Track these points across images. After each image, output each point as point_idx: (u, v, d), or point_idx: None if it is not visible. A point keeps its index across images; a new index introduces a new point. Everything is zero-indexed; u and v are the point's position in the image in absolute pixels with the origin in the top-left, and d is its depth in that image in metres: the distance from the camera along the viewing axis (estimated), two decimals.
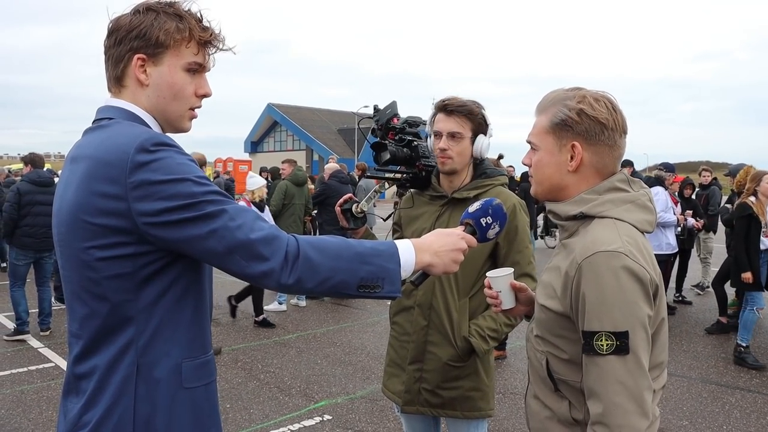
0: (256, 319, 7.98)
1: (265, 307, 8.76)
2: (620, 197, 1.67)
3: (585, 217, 1.67)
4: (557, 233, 1.86)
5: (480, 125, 2.52)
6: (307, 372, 6.09)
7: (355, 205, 2.60)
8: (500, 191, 2.56)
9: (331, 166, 9.49)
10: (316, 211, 9.73)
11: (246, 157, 50.19)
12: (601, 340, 1.50)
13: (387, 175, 2.70)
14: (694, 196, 9.71)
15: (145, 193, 1.37)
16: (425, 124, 2.68)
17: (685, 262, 9.31)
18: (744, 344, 6.44)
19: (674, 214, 8.10)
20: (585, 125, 1.65)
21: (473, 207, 1.77)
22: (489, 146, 2.56)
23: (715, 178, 10.55)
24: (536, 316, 1.76)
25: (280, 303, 8.79)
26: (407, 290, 2.54)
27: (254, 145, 62.17)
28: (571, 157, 1.68)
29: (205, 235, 1.38)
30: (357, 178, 12.17)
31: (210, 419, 1.59)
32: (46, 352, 6.67)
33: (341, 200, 2.61)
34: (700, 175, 10.55)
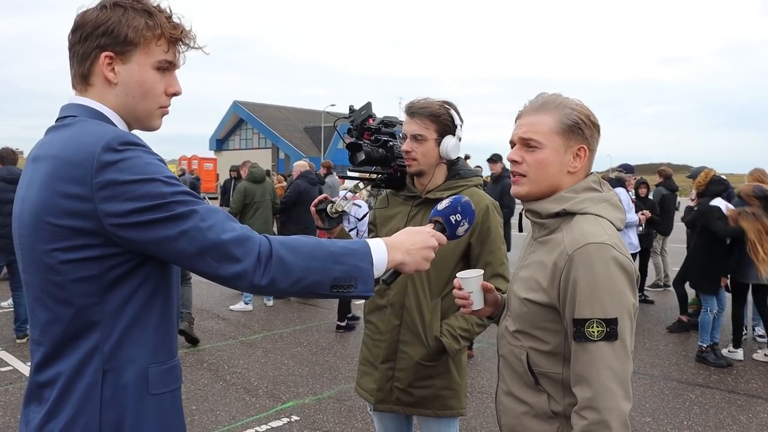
0: (340, 324, 7.76)
1: (230, 307, 8.71)
2: (596, 196, 1.75)
3: (566, 214, 1.72)
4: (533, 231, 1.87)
5: (446, 126, 2.51)
6: (273, 372, 6.05)
7: (330, 205, 2.58)
8: (474, 192, 2.57)
9: (301, 164, 9.41)
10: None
11: (211, 155, 49.70)
12: (592, 327, 1.56)
13: (362, 175, 2.69)
14: (651, 196, 9.93)
15: (113, 193, 1.33)
16: (401, 125, 2.68)
17: (645, 262, 9.52)
18: (704, 345, 6.59)
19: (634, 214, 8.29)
20: (591, 131, 1.75)
21: (442, 205, 1.77)
22: (456, 147, 2.56)
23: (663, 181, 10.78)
24: (516, 312, 1.79)
25: (247, 303, 8.71)
26: (381, 290, 2.54)
27: (220, 143, 61.62)
28: (573, 159, 1.74)
29: (175, 237, 1.35)
30: (323, 176, 12.16)
31: (177, 425, 1.56)
32: (3, 355, 6.48)
33: (316, 200, 2.59)
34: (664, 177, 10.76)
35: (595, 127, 1.76)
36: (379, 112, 2.72)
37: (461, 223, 1.75)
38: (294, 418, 4.93)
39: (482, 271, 1.95)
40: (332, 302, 9.10)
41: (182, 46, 1.56)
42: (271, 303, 9.12)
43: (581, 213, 1.70)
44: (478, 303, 1.93)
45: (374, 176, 2.68)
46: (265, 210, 8.77)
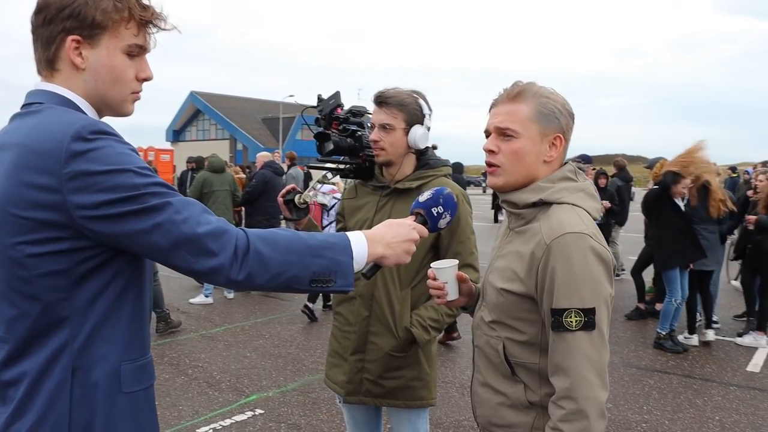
0: (308, 304, 7.71)
1: (190, 300, 8.58)
2: (573, 186, 1.75)
3: (543, 204, 1.72)
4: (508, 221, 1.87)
5: (414, 115, 2.50)
6: (236, 366, 5.98)
7: (297, 196, 2.55)
8: (443, 182, 2.56)
9: (265, 154, 9.30)
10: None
11: (168, 146, 48.82)
12: (571, 317, 1.57)
13: (330, 165, 2.66)
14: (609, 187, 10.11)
15: (83, 184, 1.27)
16: (370, 114, 2.66)
17: None
18: (663, 332, 6.74)
19: None
20: (566, 120, 1.74)
21: (424, 196, 1.75)
22: (425, 136, 2.55)
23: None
24: (492, 302, 1.78)
25: (207, 296, 8.59)
26: None
27: (176, 134, 60.60)
28: (549, 148, 1.74)
29: (149, 230, 1.30)
30: (286, 167, 12.05)
31: (150, 424, 1.51)
32: None
33: (284, 191, 2.55)
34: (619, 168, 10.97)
35: (570, 115, 1.76)
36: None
37: (443, 216, 1.74)
38: (258, 411, 4.88)
39: (457, 261, 1.94)
40: (294, 294, 9.04)
41: (152, 29, 1.49)
42: (231, 296, 9.00)
43: (558, 202, 1.70)
44: (452, 293, 1.92)
45: (343, 166, 2.65)
46: (223, 200, 8.64)
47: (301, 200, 2.53)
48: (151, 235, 1.31)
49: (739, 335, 7.18)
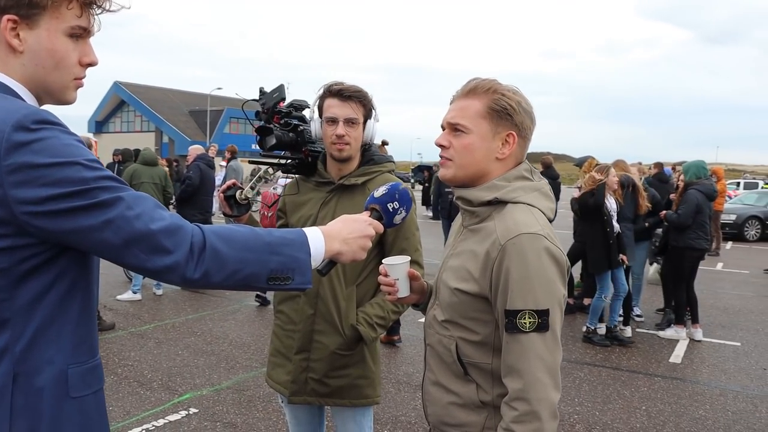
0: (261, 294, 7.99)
1: (117, 297, 8.31)
2: (528, 185, 1.75)
3: (498, 203, 1.71)
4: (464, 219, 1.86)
5: (370, 110, 2.51)
6: (168, 364, 5.82)
7: (238, 192, 2.49)
8: (389, 178, 2.55)
9: (197, 147, 9.07)
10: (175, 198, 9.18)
11: (90, 137, 47.06)
12: (524, 318, 1.56)
13: (272, 160, 2.61)
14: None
15: (26, 178, 1.19)
16: (308, 107, 2.62)
17: None
18: (592, 327, 6.95)
19: None
20: (521, 117, 1.73)
21: (379, 192, 1.74)
22: (376, 131, 2.56)
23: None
24: (445, 301, 1.77)
25: (135, 292, 8.33)
26: None
27: (99, 125, 58.49)
28: (502, 145, 1.73)
29: (99, 226, 1.23)
30: (227, 160, 11.81)
31: (100, 430, 1.44)
32: None
33: (224, 186, 2.49)
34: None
35: (527, 114, 1.74)
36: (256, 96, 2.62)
37: (398, 211, 1.73)
38: (192, 410, 4.76)
39: (409, 258, 1.93)
40: (224, 290, 8.86)
41: (97, 9, 1.40)
42: (160, 292, 8.76)
43: (513, 202, 1.70)
44: (404, 290, 1.91)
45: (285, 161, 2.60)
46: (152, 193, 8.36)
47: (243, 196, 2.47)
48: (101, 232, 1.24)
49: (660, 328, 7.49)
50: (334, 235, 1.52)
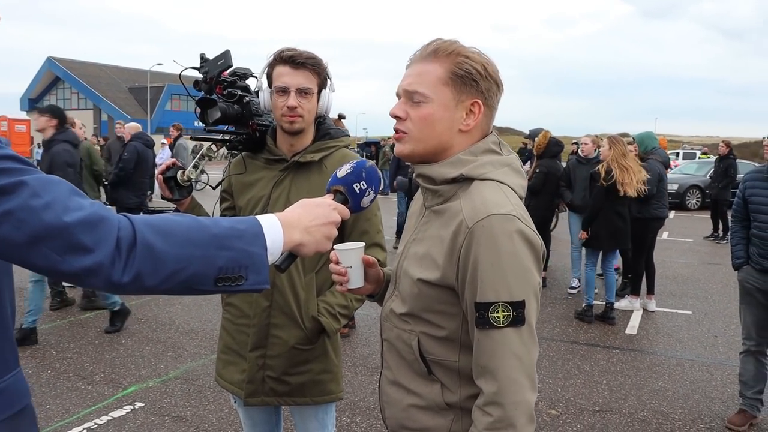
0: None
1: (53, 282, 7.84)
2: (497, 160, 1.53)
3: (464, 180, 1.49)
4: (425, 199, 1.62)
5: (325, 80, 2.27)
6: (110, 355, 5.49)
7: (180, 172, 2.22)
8: (346, 153, 2.33)
9: (134, 125, 8.57)
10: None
11: (23, 115, 45.07)
12: (498, 312, 1.36)
13: (216, 136, 2.34)
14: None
15: None
16: (255, 77, 2.35)
17: None
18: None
19: None
20: (488, 83, 1.50)
21: (343, 171, 1.50)
22: (332, 102, 2.32)
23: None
24: (406, 292, 1.56)
25: None
26: None
27: (33, 103, 56.07)
28: (466, 115, 1.50)
29: None
30: (174, 138, 11.30)
31: None
32: None
33: (163, 166, 2.22)
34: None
35: (493, 80, 1.51)
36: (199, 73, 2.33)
37: (366, 192, 1.49)
38: (138, 404, 4.47)
39: (363, 244, 1.67)
40: None
41: None
42: None
43: (481, 179, 1.48)
44: (357, 280, 1.66)
45: (231, 137, 2.34)
46: (74, 178, 7.76)
47: (186, 177, 2.21)
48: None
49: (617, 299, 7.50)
50: (294, 224, 1.29)
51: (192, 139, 2.33)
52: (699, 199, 18.81)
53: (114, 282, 1.04)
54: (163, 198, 2.28)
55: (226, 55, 2.21)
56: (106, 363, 5.28)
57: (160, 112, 48.24)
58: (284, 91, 2.18)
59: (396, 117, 1.53)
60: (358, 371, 5.21)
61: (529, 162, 11.72)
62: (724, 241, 12.43)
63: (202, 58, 2.27)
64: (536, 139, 7.93)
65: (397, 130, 1.54)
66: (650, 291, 7.28)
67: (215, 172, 8.03)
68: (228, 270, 1.14)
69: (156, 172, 2.24)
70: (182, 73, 2.29)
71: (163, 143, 14.45)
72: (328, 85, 2.29)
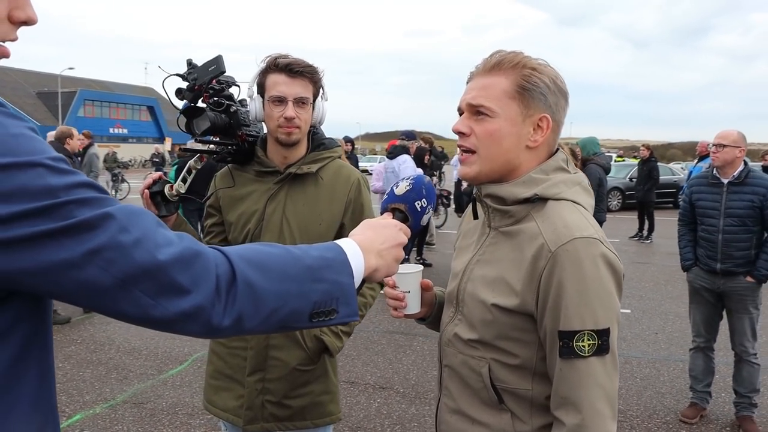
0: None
1: None
2: (569, 178, 1.47)
3: (537, 200, 1.42)
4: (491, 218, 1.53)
5: (319, 89, 2.17)
6: None
7: (167, 186, 2.06)
8: (341, 165, 2.24)
9: (65, 129, 7.99)
10: None
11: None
12: (583, 341, 1.31)
13: (204, 147, 2.19)
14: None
15: None
16: (238, 85, 2.22)
17: (426, 227, 9.86)
18: None
19: None
20: (555, 97, 1.43)
21: (401, 188, 1.40)
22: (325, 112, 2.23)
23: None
24: (477, 318, 1.47)
25: None
26: None
27: None
28: (534, 131, 1.43)
29: (77, 261, 0.83)
30: (85, 146, 10.70)
31: None
32: None
33: (148, 181, 2.06)
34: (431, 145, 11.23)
35: (561, 93, 1.45)
36: (122, 76, 2.17)
37: (426, 210, 1.40)
38: None
39: (422, 267, 1.59)
40: None
41: None
42: None
43: (555, 198, 1.42)
44: (414, 305, 1.58)
45: (218, 148, 2.20)
46: None
47: (175, 191, 2.06)
48: (81, 270, 0.83)
49: None
50: (369, 248, 1.18)
51: (181, 150, 2.18)
52: (620, 200, 19.53)
53: (214, 326, 0.92)
54: None
55: (218, 61, 2.06)
56: None
57: (73, 119, 46.23)
58: (281, 101, 2.08)
59: (459, 133, 1.46)
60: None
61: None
62: (649, 241, 12.96)
63: (190, 63, 2.12)
64: None
65: (462, 148, 1.47)
66: None
67: (135, 181, 7.70)
68: (322, 304, 1.04)
69: (141, 186, 2.07)
70: (98, 82, 2.14)
71: None
72: (321, 93, 2.19)
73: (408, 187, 1.40)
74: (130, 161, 45.57)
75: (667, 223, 16.16)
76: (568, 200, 1.42)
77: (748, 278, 4.21)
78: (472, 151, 1.45)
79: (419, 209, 1.39)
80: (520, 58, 1.43)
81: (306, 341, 2.12)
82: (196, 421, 4.36)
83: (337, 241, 1.15)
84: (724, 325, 4.53)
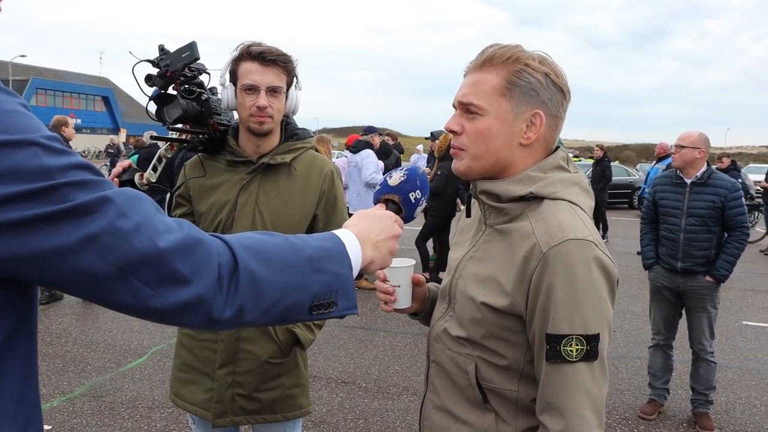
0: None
1: None
2: (568, 178, 1.43)
3: (533, 198, 1.39)
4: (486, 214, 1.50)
5: (293, 78, 2.14)
6: None
7: (138, 175, 2.01)
8: (315, 156, 2.21)
9: (61, 118, 7.75)
10: None
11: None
12: (571, 345, 1.27)
13: (175, 135, 2.14)
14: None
15: None
16: (208, 73, 2.18)
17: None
18: None
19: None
20: (549, 92, 1.39)
21: (395, 178, 1.37)
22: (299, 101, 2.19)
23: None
24: (467, 316, 1.45)
25: None
26: None
27: None
28: (527, 128, 1.39)
29: (74, 247, 0.78)
30: None
31: None
32: None
33: (118, 169, 2.01)
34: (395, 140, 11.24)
35: (557, 87, 1.40)
36: (76, 65, 2.11)
37: (420, 202, 1.37)
38: (45, 427, 4.09)
39: (413, 261, 1.56)
40: None
41: None
42: None
43: (551, 198, 1.39)
44: (405, 300, 1.55)
45: (188, 136, 2.15)
46: None
47: (146, 181, 2.01)
48: (78, 256, 0.79)
49: None
50: (365, 239, 1.15)
51: (152, 138, 2.13)
52: None
53: (215, 318, 0.89)
54: None
55: (192, 47, 2.01)
56: None
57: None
58: (253, 89, 2.04)
59: (451, 131, 1.43)
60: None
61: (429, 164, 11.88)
62: (605, 240, 13.17)
63: (162, 49, 2.07)
64: (437, 140, 8.01)
65: (453, 146, 1.45)
66: None
67: None
68: (322, 296, 1.01)
69: (110, 176, 2.02)
70: (52, 70, 2.08)
71: None
72: (295, 83, 2.16)
73: (402, 178, 1.37)
74: (83, 152, 44.72)
75: (623, 223, 16.52)
76: (565, 200, 1.39)
77: (708, 278, 4.30)
78: (461, 149, 1.43)
79: (413, 201, 1.36)
80: (511, 53, 1.38)
81: (278, 334, 2.09)
82: (157, 415, 4.29)
83: (335, 232, 1.12)
84: (681, 324, 4.62)
